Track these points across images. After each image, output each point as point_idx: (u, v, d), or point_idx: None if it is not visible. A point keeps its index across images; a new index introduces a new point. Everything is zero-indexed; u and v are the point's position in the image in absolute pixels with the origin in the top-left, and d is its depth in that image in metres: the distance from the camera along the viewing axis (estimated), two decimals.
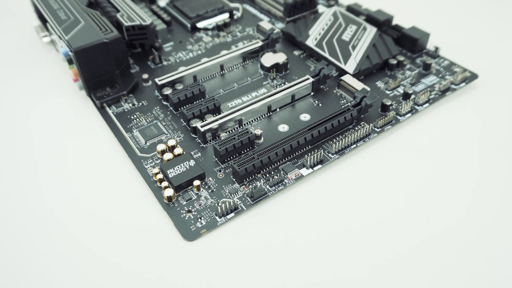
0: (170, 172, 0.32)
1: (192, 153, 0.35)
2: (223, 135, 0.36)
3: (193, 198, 0.32)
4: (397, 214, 0.31)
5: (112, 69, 0.40)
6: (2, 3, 0.59)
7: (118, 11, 0.45)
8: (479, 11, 0.54)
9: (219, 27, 0.49)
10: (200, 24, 0.50)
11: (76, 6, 0.43)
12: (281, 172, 0.33)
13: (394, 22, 0.48)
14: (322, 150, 0.34)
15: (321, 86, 0.41)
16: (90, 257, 0.29)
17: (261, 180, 0.33)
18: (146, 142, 0.36)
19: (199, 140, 0.36)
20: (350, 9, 0.50)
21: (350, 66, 0.41)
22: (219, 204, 0.31)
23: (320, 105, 0.39)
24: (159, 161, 0.35)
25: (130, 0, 0.47)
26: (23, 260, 0.29)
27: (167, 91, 0.39)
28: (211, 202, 0.31)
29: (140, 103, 0.40)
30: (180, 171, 0.33)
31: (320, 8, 0.53)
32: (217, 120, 0.36)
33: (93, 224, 0.31)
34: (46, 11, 0.42)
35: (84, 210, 0.32)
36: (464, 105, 0.40)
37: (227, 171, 0.34)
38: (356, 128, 0.36)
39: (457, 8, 0.55)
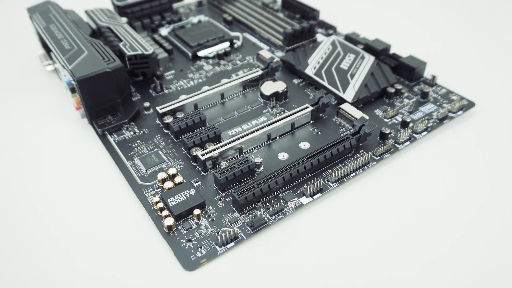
0: (171, 201, 0.33)
1: (193, 181, 0.35)
2: (223, 164, 0.36)
3: (193, 227, 0.32)
4: (397, 243, 0.31)
5: (114, 97, 0.40)
6: (7, 32, 0.60)
7: (120, 40, 0.46)
8: (475, 40, 0.55)
9: (219, 56, 0.50)
10: (201, 53, 0.50)
11: (79, 36, 0.43)
12: (281, 201, 0.33)
13: (391, 51, 0.49)
14: (321, 179, 0.34)
15: (320, 115, 0.42)
16: (89, 285, 0.29)
17: (261, 209, 0.33)
18: (146, 171, 0.36)
19: (200, 169, 0.36)
20: (348, 38, 0.51)
21: (349, 94, 0.42)
22: (219, 234, 0.31)
23: (320, 133, 0.40)
24: (159, 189, 0.35)
25: (132, 30, 0.48)
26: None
27: (168, 119, 0.40)
28: (211, 231, 0.31)
29: (141, 131, 0.41)
30: (180, 200, 0.33)
31: (319, 37, 0.54)
32: (217, 148, 0.36)
33: (92, 252, 0.31)
34: (50, 41, 0.43)
35: (83, 238, 0.32)
36: (462, 133, 0.40)
37: (227, 199, 0.34)
38: (355, 157, 0.37)
39: (453, 37, 0.56)
